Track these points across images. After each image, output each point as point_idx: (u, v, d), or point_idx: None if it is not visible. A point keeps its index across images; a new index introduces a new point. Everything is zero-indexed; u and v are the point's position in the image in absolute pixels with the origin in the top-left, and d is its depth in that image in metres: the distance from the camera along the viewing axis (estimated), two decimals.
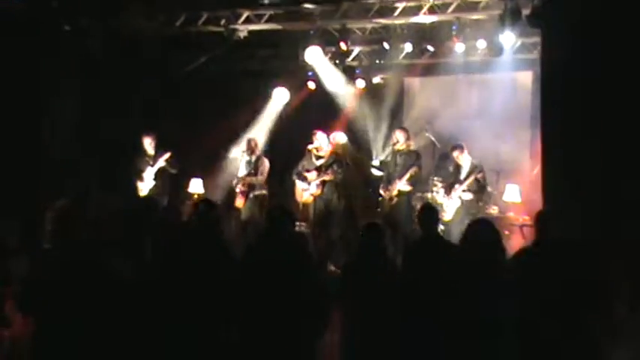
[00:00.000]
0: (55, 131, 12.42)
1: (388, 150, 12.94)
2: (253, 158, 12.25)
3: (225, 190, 12.82)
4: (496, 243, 5.65)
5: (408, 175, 11.33)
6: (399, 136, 11.63)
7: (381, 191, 11.83)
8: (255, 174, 12.16)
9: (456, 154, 11.79)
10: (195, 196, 13.22)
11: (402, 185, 11.41)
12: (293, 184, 12.16)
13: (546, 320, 5.19)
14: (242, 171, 12.27)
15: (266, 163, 12.26)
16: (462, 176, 11.65)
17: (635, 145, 8.01)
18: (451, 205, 11.62)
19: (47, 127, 12.30)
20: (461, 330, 5.36)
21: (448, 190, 11.73)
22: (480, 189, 11.63)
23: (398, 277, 6.21)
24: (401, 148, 11.57)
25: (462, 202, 11.56)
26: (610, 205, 7.93)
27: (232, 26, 12.64)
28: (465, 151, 11.72)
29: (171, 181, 12.55)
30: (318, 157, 11.90)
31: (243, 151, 12.35)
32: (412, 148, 11.73)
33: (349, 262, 6.58)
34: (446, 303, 5.45)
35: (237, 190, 12.21)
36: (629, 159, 8.04)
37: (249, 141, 12.40)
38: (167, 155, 12.18)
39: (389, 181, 11.65)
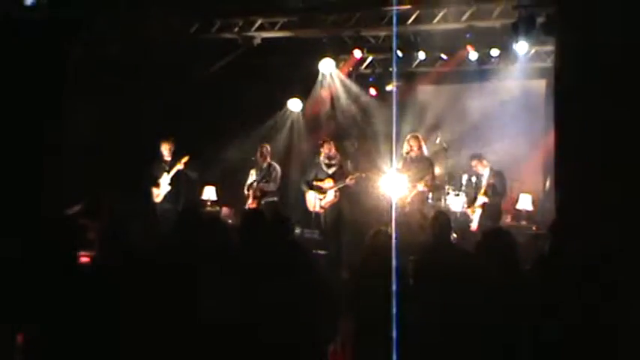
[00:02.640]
0: (72, 136, 12.46)
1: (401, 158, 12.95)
2: (265, 165, 12.25)
3: (240, 196, 12.80)
4: (511, 252, 5.63)
5: (423, 183, 11.28)
6: (412, 142, 11.57)
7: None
8: (268, 181, 12.16)
9: (474, 163, 11.76)
10: (209, 203, 13.25)
11: (419, 187, 11.34)
12: (303, 193, 12.13)
13: (563, 328, 5.15)
14: (254, 177, 12.27)
15: (278, 170, 12.27)
16: (483, 184, 11.62)
17: None
18: (475, 215, 11.58)
19: (63, 132, 12.34)
20: (473, 338, 5.34)
21: (472, 202, 11.69)
22: (494, 194, 11.56)
23: (408, 285, 6.19)
24: (414, 155, 11.53)
25: (484, 209, 11.51)
26: (626, 214, 7.89)
27: (245, 34, 12.68)
28: (484, 160, 11.67)
29: (187, 185, 12.52)
30: (330, 165, 11.90)
31: (255, 158, 12.34)
32: (425, 154, 11.68)
33: (357, 269, 6.57)
34: (458, 311, 5.43)
35: (250, 196, 12.19)
36: None
37: (260, 147, 12.38)
38: (185, 159, 12.13)
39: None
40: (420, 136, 11.85)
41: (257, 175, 12.23)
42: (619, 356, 4.93)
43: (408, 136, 11.74)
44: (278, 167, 12.31)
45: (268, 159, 12.31)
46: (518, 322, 5.32)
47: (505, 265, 5.51)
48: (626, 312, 4.94)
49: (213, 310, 5.49)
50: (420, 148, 11.56)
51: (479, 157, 11.75)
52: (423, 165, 11.47)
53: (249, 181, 12.30)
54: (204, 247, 5.89)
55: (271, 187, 12.18)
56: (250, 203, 12.12)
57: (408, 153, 11.59)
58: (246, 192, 12.28)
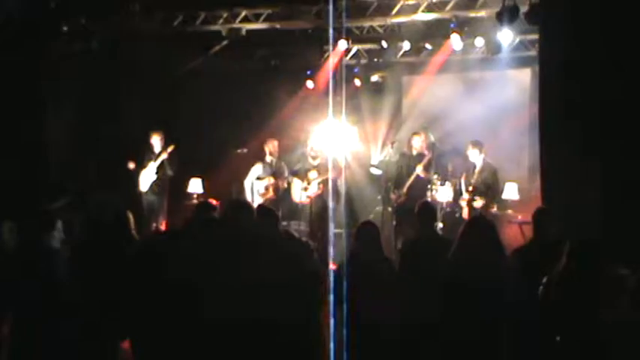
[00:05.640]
0: (55, 132, 12.39)
1: (387, 149, 12.95)
2: (274, 161, 12.20)
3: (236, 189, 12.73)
4: (494, 241, 5.64)
5: (421, 166, 11.37)
6: (416, 141, 11.61)
7: (392, 196, 11.81)
8: (277, 177, 12.13)
9: (470, 148, 11.71)
10: (195, 196, 13.19)
11: (418, 169, 11.42)
12: (289, 184, 12.12)
13: (544, 319, 5.17)
14: (260, 172, 12.19)
15: (286, 168, 12.26)
16: (474, 174, 11.61)
17: (635, 142, 8.00)
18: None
19: (46, 127, 12.28)
20: (458, 328, 5.35)
21: (461, 193, 11.73)
22: (484, 187, 11.55)
23: (395, 275, 6.20)
24: (415, 153, 11.59)
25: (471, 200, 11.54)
26: (610, 202, 7.92)
27: (229, 26, 12.64)
28: (483, 149, 11.64)
29: (171, 181, 12.50)
30: (315, 157, 11.90)
31: (265, 153, 12.30)
32: (426, 152, 11.71)
33: (345, 261, 6.57)
34: (441, 300, 5.45)
35: (257, 191, 12.12)
36: (629, 156, 8.03)
37: (268, 143, 12.33)
38: (171, 147, 12.13)
39: (398, 185, 11.64)
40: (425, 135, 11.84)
41: (265, 171, 12.14)
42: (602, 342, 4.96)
43: (412, 135, 11.78)
44: (284, 164, 12.32)
45: (275, 155, 12.26)
46: (501, 311, 5.34)
47: (487, 252, 5.52)
48: (610, 298, 4.97)
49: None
50: (426, 145, 11.62)
51: (478, 146, 11.66)
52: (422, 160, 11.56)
53: (254, 175, 12.19)
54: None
55: (282, 185, 12.22)
56: (258, 198, 12.02)
57: (410, 150, 11.65)
58: (252, 186, 12.20)
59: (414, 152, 11.67)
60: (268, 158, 12.29)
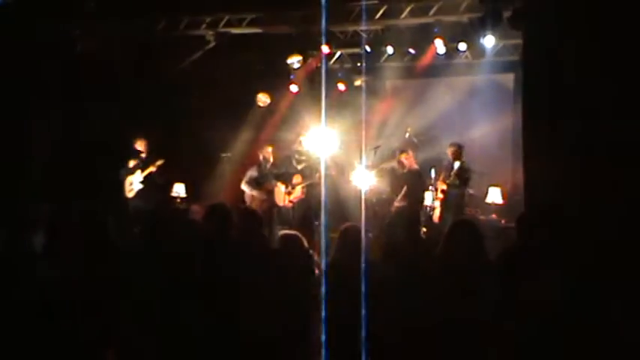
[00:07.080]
0: (41, 136, 12.33)
1: (371, 154, 12.96)
2: (267, 168, 12.20)
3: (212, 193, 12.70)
4: (477, 245, 5.64)
5: (402, 192, 11.41)
6: (404, 160, 11.66)
7: (376, 208, 11.88)
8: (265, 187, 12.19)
9: (450, 150, 11.77)
10: (179, 200, 13.17)
11: (397, 202, 11.49)
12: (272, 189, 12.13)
13: (528, 324, 5.18)
14: (255, 175, 12.22)
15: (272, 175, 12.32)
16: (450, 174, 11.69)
17: (618, 146, 8.03)
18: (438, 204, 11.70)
19: (32, 131, 12.21)
20: (441, 333, 5.35)
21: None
22: (457, 184, 11.60)
23: (379, 279, 6.18)
24: (406, 170, 11.64)
25: (444, 199, 11.59)
26: (593, 207, 7.94)
27: (213, 30, 12.63)
28: (461, 152, 11.69)
29: (157, 186, 12.47)
30: (299, 162, 11.91)
31: (262, 159, 12.28)
32: (415, 167, 11.74)
33: (329, 265, 6.56)
34: (426, 305, 5.44)
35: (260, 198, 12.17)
36: (613, 159, 8.05)
37: (265, 148, 12.31)
38: (159, 162, 12.10)
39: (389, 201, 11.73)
40: (410, 152, 11.89)
41: (260, 176, 12.16)
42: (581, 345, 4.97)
43: (401, 154, 11.79)
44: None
45: (269, 162, 12.26)
46: (482, 315, 5.34)
47: (471, 255, 5.52)
48: (594, 304, 4.98)
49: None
50: (410, 163, 11.66)
51: (457, 147, 11.71)
52: (412, 177, 11.58)
53: (250, 177, 12.18)
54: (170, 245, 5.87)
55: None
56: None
57: (399, 167, 11.69)
58: (252, 190, 12.18)
59: (405, 170, 11.65)
60: (263, 165, 12.25)
